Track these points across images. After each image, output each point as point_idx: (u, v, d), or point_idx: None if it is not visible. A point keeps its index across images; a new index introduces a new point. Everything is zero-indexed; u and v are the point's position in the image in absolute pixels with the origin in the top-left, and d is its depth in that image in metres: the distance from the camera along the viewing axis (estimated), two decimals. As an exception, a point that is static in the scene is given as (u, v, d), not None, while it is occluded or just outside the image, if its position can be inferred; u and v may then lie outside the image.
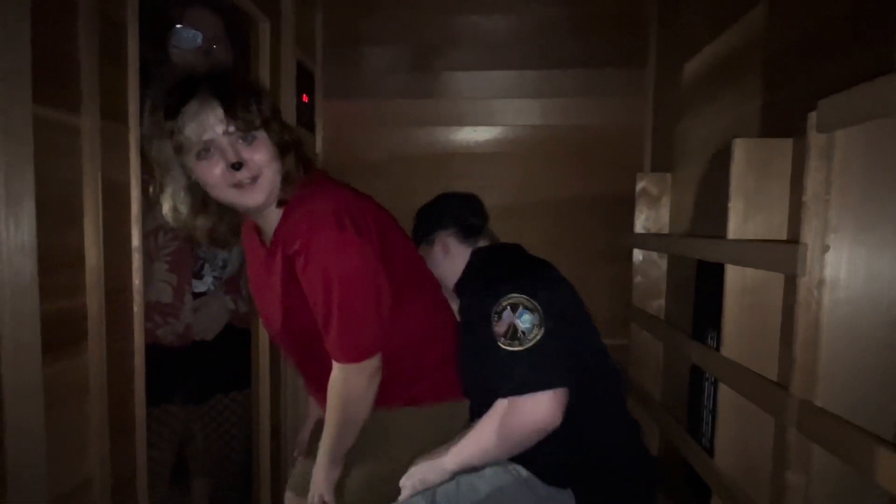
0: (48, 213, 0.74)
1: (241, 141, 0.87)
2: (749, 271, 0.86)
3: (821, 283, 0.66)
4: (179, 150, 0.86)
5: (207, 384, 1.37)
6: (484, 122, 1.74)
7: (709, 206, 1.18)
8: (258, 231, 1.01)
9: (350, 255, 0.88)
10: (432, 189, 1.76)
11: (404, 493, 0.94)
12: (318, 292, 0.89)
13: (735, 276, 0.87)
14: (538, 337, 0.90)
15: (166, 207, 0.92)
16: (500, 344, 0.91)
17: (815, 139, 0.67)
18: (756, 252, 0.81)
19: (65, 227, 0.79)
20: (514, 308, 0.92)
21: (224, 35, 1.32)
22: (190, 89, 0.85)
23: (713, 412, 0.95)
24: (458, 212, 1.19)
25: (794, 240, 0.76)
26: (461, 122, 1.75)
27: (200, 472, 1.44)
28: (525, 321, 0.91)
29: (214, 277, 1.34)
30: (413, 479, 0.94)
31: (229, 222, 0.97)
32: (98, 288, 0.83)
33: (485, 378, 0.95)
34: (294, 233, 0.90)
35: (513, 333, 0.91)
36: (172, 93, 0.86)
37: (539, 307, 0.91)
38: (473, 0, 1.70)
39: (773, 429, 0.84)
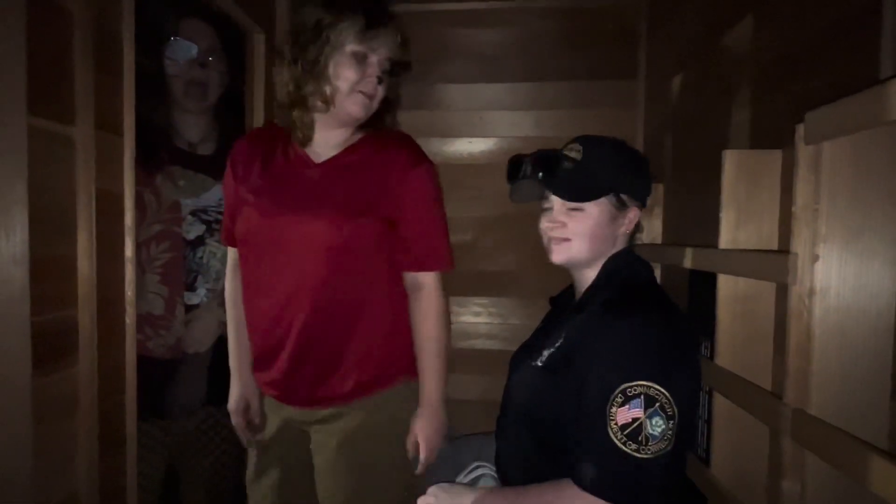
0: (41, 224, 0.73)
1: (385, 72, 1.02)
2: (741, 280, 0.87)
3: (811, 291, 0.67)
4: (344, 38, 0.97)
5: (198, 397, 1.36)
6: (478, 133, 1.75)
7: (700, 217, 1.19)
8: (294, 148, 1.08)
9: (438, 184, 1.10)
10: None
11: None
12: (423, 202, 1.05)
13: (727, 286, 0.88)
14: (661, 452, 0.76)
15: (286, 76, 1.01)
16: (609, 430, 0.77)
17: (803, 151, 0.68)
18: (748, 261, 0.82)
19: (57, 237, 0.78)
20: (648, 402, 0.76)
21: (219, 46, 1.33)
22: (389, 17, 1.02)
23: (708, 422, 0.95)
24: (650, 190, 0.99)
25: (784, 249, 0.77)
26: (455, 133, 1.76)
27: (190, 487, 1.41)
28: (656, 426, 0.76)
29: (207, 290, 1.33)
30: None
31: (309, 124, 1.05)
32: (90, 299, 0.82)
33: (555, 420, 0.86)
34: (393, 148, 1.06)
35: (633, 433, 0.76)
36: (378, 7, 1.01)
37: (676, 414, 0.77)
38: (467, 13, 1.73)
39: (768, 438, 0.84)
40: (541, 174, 0.93)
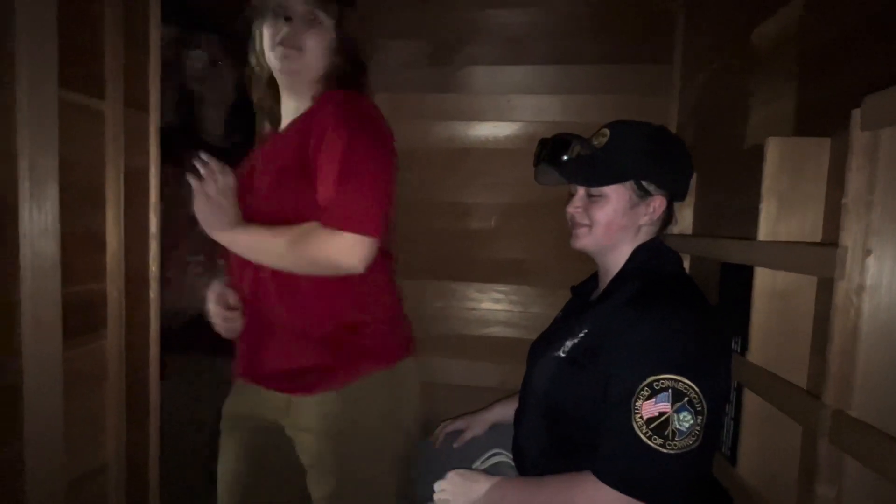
0: (71, 198, 0.74)
1: (303, 23, 0.94)
2: (780, 275, 0.83)
3: (860, 287, 0.64)
4: (259, 9, 0.97)
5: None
6: (503, 117, 1.72)
7: (735, 208, 1.15)
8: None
9: (374, 134, 0.92)
10: (451, 184, 1.77)
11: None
12: (329, 150, 0.87)
13: (765, 280, 0.84)
14: (687, 448, 0.74)
15: (253, 61, 1.02)
16: (633, 423, 0.75)
17: (858, 138, 0.64)
18: (790, 254, 0.79)
19: (87, 211, 0.79)
20: (676, 397, 0.74)
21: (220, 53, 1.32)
22: None
23: (735, 419, 0.92)
24: (687, 180, 0.96)
25: (830, 242, 0.73)
26: (480, 117, 1.73)
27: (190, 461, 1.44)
28: (684, 422, 0.74)
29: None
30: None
31: (269, 105, 1.04)
32: (118, 273, 0.83)
33: (577, 414, 0.84)
34: (322, 108, 0.93)
35: (659, 427, 0.74)
36: None
37: (705, 410, 0.74)
38: (494, -6, 1.68)
39: (800, 438, 0.81)
40: (551, 157, 0.94)
